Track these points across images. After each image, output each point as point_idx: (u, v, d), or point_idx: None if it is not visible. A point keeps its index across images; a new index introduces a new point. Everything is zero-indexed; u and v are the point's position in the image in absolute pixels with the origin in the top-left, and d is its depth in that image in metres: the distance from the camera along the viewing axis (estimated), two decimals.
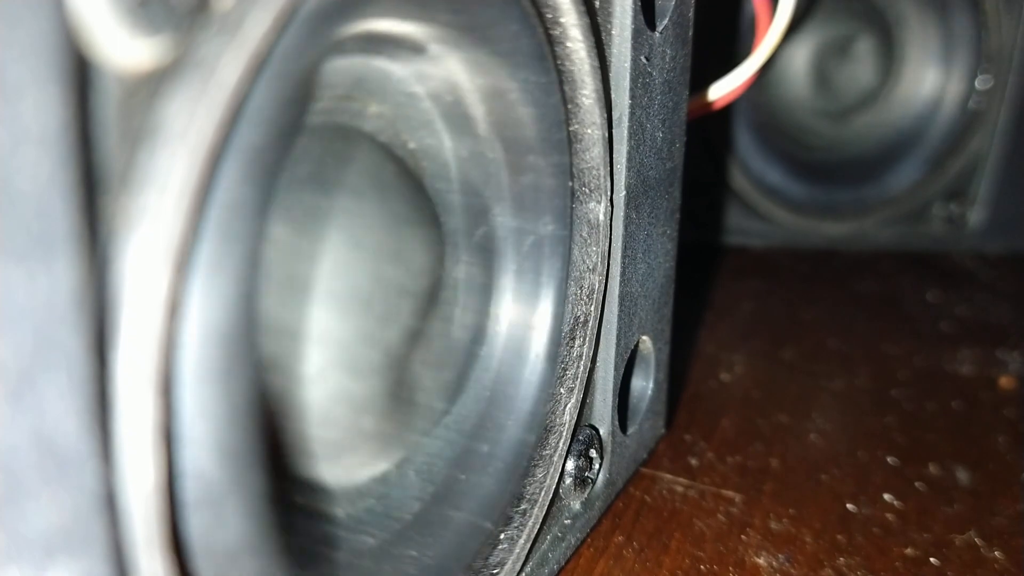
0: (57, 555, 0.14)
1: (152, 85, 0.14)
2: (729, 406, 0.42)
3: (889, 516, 0.34)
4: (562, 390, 0.27)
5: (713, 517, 0.33)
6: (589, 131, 0.26)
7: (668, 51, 0.29)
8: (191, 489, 0.16)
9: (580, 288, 0.27)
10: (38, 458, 0.13)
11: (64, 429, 0.13)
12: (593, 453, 0.30)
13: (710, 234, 0.62)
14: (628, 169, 0.28)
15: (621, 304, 0.30)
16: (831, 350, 0.48)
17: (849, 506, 0.34)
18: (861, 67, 0.63)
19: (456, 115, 0.24)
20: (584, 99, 0.25)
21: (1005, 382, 0.44)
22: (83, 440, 0.14)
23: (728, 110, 0.57)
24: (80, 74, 0.13)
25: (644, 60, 0.28)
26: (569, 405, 0.28)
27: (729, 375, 0.45)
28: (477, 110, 0.24)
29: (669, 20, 0.28)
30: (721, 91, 0.40)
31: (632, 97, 0.27)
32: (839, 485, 0.35)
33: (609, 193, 0.27)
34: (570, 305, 0.27)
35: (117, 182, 0.14)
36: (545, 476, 0.27)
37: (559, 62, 0.24)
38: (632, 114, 0.28)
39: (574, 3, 0.24)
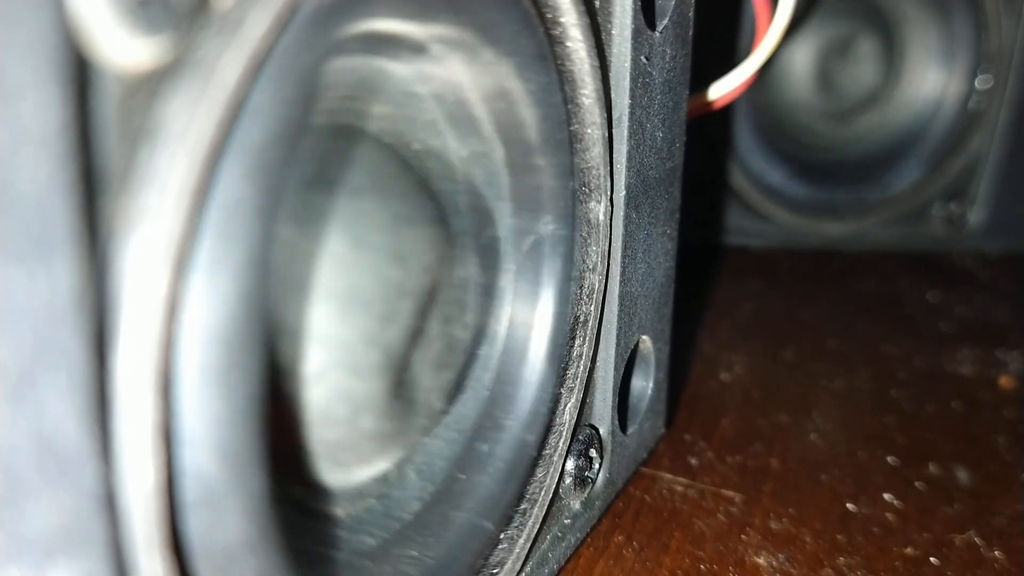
0: (57, 555, 0.14)
1: (152, 85, 0.14)
2: (729, 406, 0.42)
3: (889, 516, 0.34)
4: (562, 390, 0.27)
5: (713, 517, 0.33)
6: (589, 131, 0.26)
7: (668, 51, 0.29)
8: (191, 489, 0.16)
9: (580, 288, 0.27)
10: (38, 458, 0.13)
11: (64, 429, 0.13)
12: (593, 453, 0.30)
13: (710, 234, 0.62)
14: (628, 169, 0.28)
15: (621, 304, 0.30)
16: (831, 350, 0.48)
17: (849, 506, 0.34)
18: (861, 67, 0.63)
19: (460, 116, 0.24)
20: (584, 99, 0.25)
21: (1005, 382, 0.44)
22: (83, 440, 0.14)
23: (728, 110, 0.57)
24: (80, 74, 0.13)
25: (644, 60, 0.28)
26: (569, 405, 0.28)
27: (729, 375, 0.45)
28: (480, 111, 0.24)
29: (669, 20, 0.28)
30: (721, 91, 0.40)
31: (632, 97, 0.27)
32: (839, 485, 0.35)
33: (609, 193, 0.27)
34: (570, 305, 0.27)
35: (117, 182, 0.14)
36: (545, 476, 0.27)
37: (559, 62, 0.24)
38: (632, 114, 0.28)
39: (574, 3, 0.24)
